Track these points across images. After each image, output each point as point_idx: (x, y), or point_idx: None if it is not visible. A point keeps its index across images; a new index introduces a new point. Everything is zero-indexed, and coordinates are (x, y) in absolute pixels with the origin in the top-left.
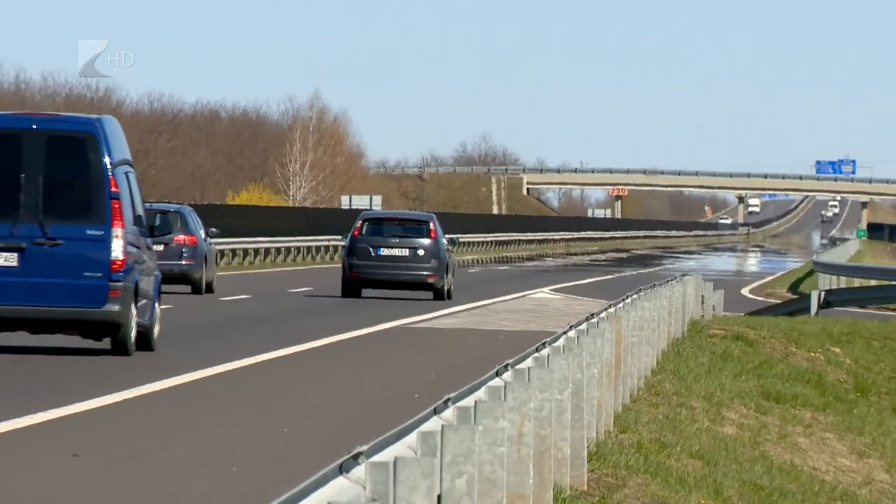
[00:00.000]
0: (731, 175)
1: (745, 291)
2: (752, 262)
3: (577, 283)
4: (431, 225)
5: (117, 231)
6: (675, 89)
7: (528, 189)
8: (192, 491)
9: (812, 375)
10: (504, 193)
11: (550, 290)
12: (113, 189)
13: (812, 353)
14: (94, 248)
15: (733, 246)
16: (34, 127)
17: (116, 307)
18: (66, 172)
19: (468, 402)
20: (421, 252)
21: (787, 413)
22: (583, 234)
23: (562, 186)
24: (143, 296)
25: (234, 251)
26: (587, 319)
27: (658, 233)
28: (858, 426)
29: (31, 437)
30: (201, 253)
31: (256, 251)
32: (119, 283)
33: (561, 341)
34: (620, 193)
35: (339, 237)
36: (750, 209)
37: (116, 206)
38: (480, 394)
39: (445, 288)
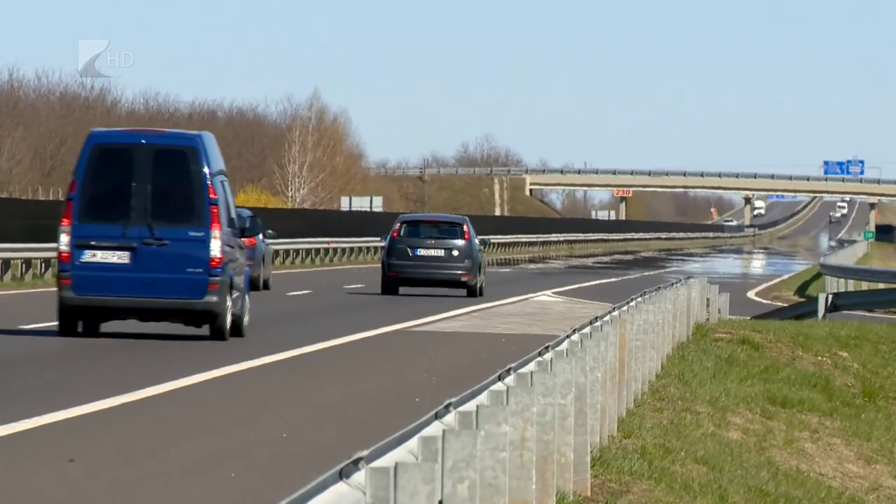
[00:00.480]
0: (737, 176)
1: (751, 294)
2: (759, 265)
3: (581, 285)
4: (465, 227)
5: (215, 233)
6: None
7: (530, 190)
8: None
9: (819, 380)
10: (507, 195)
11: (553, 292)
12: (212, 196)
13: (819, 358)
14: (196, 247)
15: (739, 248)
16: (143, 142)
17: (214, 299)
18: (171, 181)
19: (470, 406)
20: (455, 252)
21: (794, 418)
22: (586, 236)
23: (565, 188)
24: (236, 289)
25: None
26: (591, 323)
27: (663, 235)
28: (866, 431)
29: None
30: (259, 253)
31: None
32: (217, 278)
33: (564, 345)
34: (624, 195)
35: (378, 238)
36: (756, 212)
37: (215, 210)
38: (482, 398)
39: (478, 285)
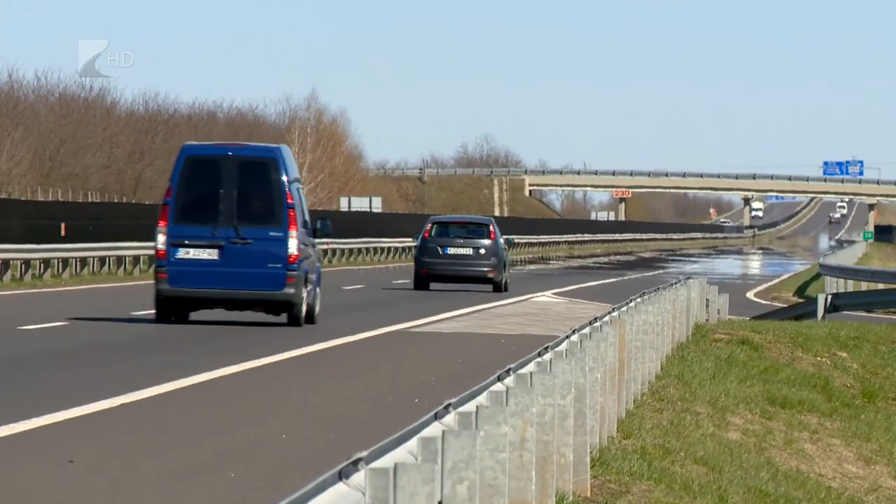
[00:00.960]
0: (736, 177)
1: (750, 295)
2: (758, 265)
3: (580, 286)
4: (491, 227)
5: (293, 233)
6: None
7: (530, 191)
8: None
9: (818, 380)
10: (506, 195)
11: (553, 293)
12: (289, 201)
13: (818, 358)
14: (276, 245)
15: (739, 249)
16: (230, 154)
17: (292, 290)
18: (254, 188)
19: (469, 407)
20: (482, 251)
21: (793, 418)
22: (586, 237)
23: (565, 188)
24: (309, 282)
25: None
26: (590, 323)
27: (662, 235)
28: (865, 432)
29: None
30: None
31: None
32: (294, 272)
33: (563, 345)
34: (624, 196)
35: (410, 238)
36: (753, 213)
37: (292, 213)
38: (482, 399)
39: (503, 282)
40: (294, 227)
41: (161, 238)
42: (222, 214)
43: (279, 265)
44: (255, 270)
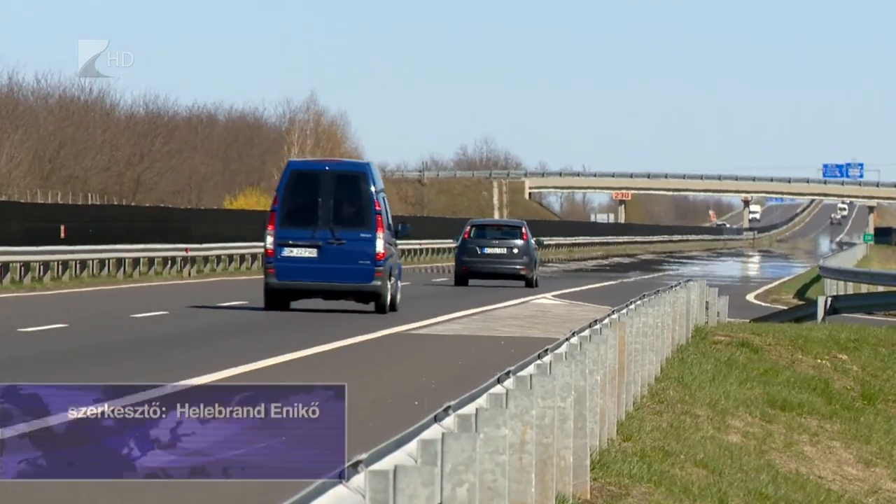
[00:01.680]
0: (736, 178)
1: (750, 297)
2: (758, 268)
3: (580, 288)
4: (524, 229)
5: (379, 235)
6: (679, 92)
7: (529, 193)
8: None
9: (818, 383)
10: (506, 198)
11: (552, 295)
12: (377, 207)
13: (818, 360)
14: (366, 245)
15: (739, 251)
16: (327, 168)
17: (379, 283)
18: (348, 197)
19: (469, 409)
20: (516, 250)
21: (793, 421)
22: (585, 239)
23: (564, 191)
24: (392, 276)
25: (230, 257)
26: (590, 326)
27: (662, 237)
28: (865, 434)
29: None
30: None
31: (254, 257)
32: (380, 268)
33: (563, 348)
34: (624, 198)
35: (451, 240)
36: (751, 216)
37: (379, 218)
38: (482, 401)
39: (534, 278)
40: (380, 229)
41: (269, 239)
42: (321, 219)
43: (368, 262)
44: (348, 266)
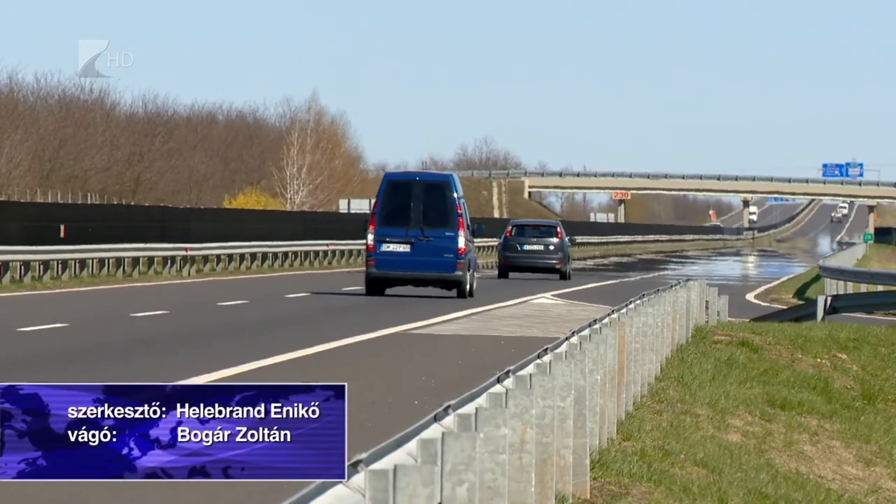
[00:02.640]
0: (736, 178)
1: (750, 297)
2: (757, 267)
3: (580, 288)
4: (559, 229)
5: (461, 233)
6: (679, 92)
7: (529, 193)
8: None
9: (818, 382)
10: (505, 198)
11: (552, 295)
12: (458, 211)
13: (818, 360)
14: (450, 242)
15: (738, 250)
16: (417, 178)
17: (460, 273)
18: (435, 202)
19: (469, 409)
20: (551, 247)
21: (793, 420)
22: (585, 239)
23: (564, 190)
24: (471, 267)
25: (230, 256)
26: (590, 325)
27: (662, 237)
28: (865, 434)
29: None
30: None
31: (254, 256)
32: (461, 261)
33: (563, 347)
34: (623, 197)
35: (494, 239)
36: (750, 216)
37: (460, 220)
38: (481, 401)
39: (567, 271)
40: (462, 229)
41: (370, 237)
42: (412, 220)
43: (452, 255)
44: (435, 259)
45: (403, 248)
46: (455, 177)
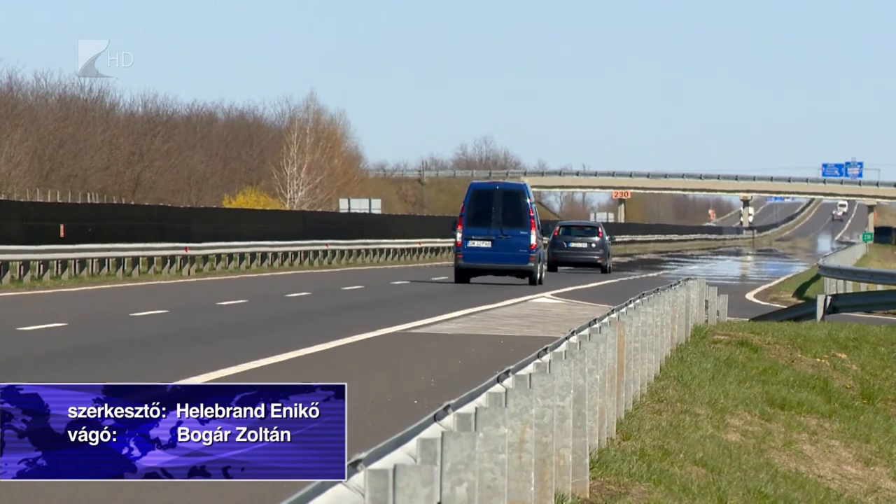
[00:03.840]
0: (736, 178)
1: (749, 296)
2: (757, 267)
3: (579, 287)
4: (600, 229)
5: (532, 232)
6: (679, 91)
7: None
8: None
9: (818, 382)
10: None
11: (552, 294)
12: (531, 214)
13: (818, 359)
14: (524, 239)
15: (738, 250)
16: (497, 187)
17: (532, 265)
18: (511, 206)
19: (468, 408)
20: (594, 245)
21: (793, 420)
22: None
23: (564, 190)
24: (540, 260)
25: (230, 256)
26: (589, 325)
27: (661, 237)
28: (865, 433)
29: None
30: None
31: (253, 256)
32: (533, 255)
33: (563, 347)
34: (623, 197)
35: (546, 238)
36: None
37: (532, 221)
38: (481, 400)
39: (608, 265)
40: (533, 228)
41: (459, 235)
42: (493, 221)
43: (525, 250)
44: (511, 253)
45: (486, 244)
46: (528, 186)
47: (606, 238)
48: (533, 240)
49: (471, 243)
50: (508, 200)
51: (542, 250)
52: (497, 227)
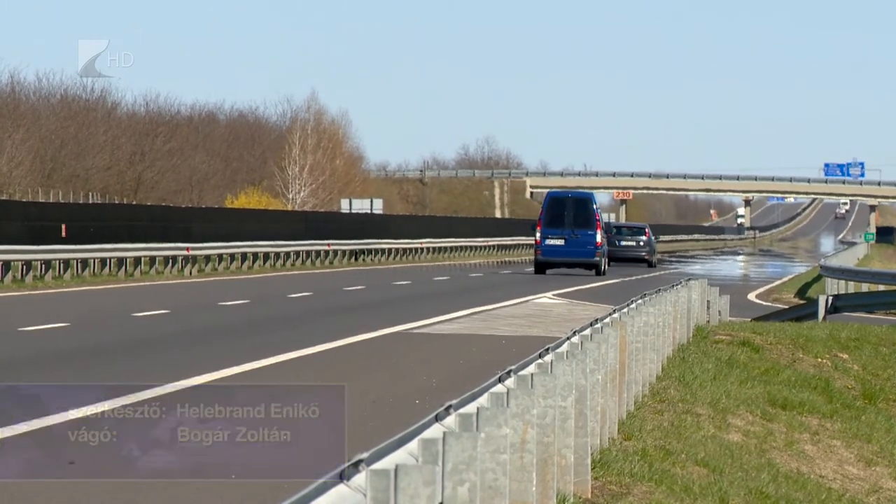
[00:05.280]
0: (737, 178)
1: (751, 296)
2: (758, 267)
3: (581, 287)
4: (647, 230)
5: (598, 233)
6: (680, 91)
7: (531, 193)
8: None
9: (819, 382)
10: (507, 197)
11: (553, 294)
12: (597, 217)
13: (819, 359)
14: (591, 238)
15: (739, 250)
16: (569, 196)
17: (597, 258)
18: (581, 212)
19: (470, 408)
20: (642, 243)
21: (794, 420)
22: None
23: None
24: (604, 255)
25: (231, 256)
26: (591, 325)
27: (663, 237)
28: (866, 433)
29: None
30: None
31: (255, 256)
32: (599, 250)
33: (564, 347)
34: (625, 197)
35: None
36: (738, 220)
37: (598, 223)
38: (483, 400)
39: (654, 261)
40: (598, 229)
41: (538, 234)
42: (566, 223)
43: (592, 247)
44: (581, 249)
45: (560, 242)
46: (594, 194)
47: (653, 237)
48: (598, 238)
49: (548, 241)
50: (578, 206)
51: (606, 247)
52: (569, 228)
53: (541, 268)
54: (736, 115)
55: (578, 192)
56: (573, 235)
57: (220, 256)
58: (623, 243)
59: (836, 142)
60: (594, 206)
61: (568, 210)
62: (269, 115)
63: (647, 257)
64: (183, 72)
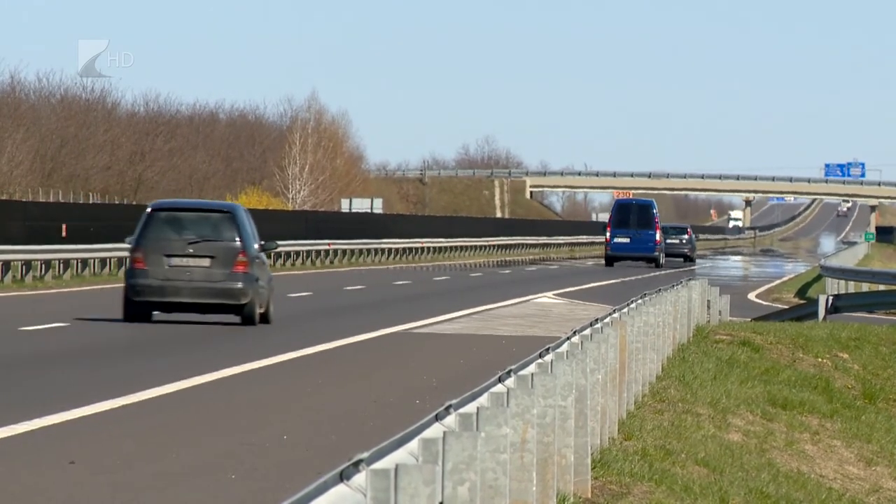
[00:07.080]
0: (737, 178)
1: (751, 296)
2: (758, 267)
3: (581, 287)
4: (688, 229)
5: (657, 233)
6: (680, 91)
7: (531, 192)
8: None
9: (819, 381)
10: (507, 197)
11: (554, 294)
12: (656, 220)
13: (819, 359)
14: (651, 237)
15: (739, 250)
16: (633, 202)
17: (656, 254)
18: (643, 216)
19: (470, 408)
20: (684, 241)
21: (794, 420)
22: (587, 238)
23: (565, 190)
24: (661, 251)
25: None
26: (591, 325)
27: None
28: (866, 433)
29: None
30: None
31: None
32: (657, 247)
33: (564, 347)
34: (625, 196)
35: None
36: (732, 223)
37: (657, 225)
38: (483, 400)
39: (694, 257)
40: (657, 229)
41: (608, 233)
42: (631, 224)
43: (652, 244)
44: (643, 245)
45: (626, 240)
46: (654, 201)
47: (693, 236)
48: (657, 237)
49: (616, 239)
50: (641, 211)
51: (662, 244)
52: (634, 228)
53: (610, 261)
54: (736, 115)
55: (641, 199)
56: (637, 234)
57: None
58: (669, 241)
59: (837, 142)
60: (654, 211)
61: (633, 214)
62: (270, 115)
63: (688, 253)
64: (183, 71)
